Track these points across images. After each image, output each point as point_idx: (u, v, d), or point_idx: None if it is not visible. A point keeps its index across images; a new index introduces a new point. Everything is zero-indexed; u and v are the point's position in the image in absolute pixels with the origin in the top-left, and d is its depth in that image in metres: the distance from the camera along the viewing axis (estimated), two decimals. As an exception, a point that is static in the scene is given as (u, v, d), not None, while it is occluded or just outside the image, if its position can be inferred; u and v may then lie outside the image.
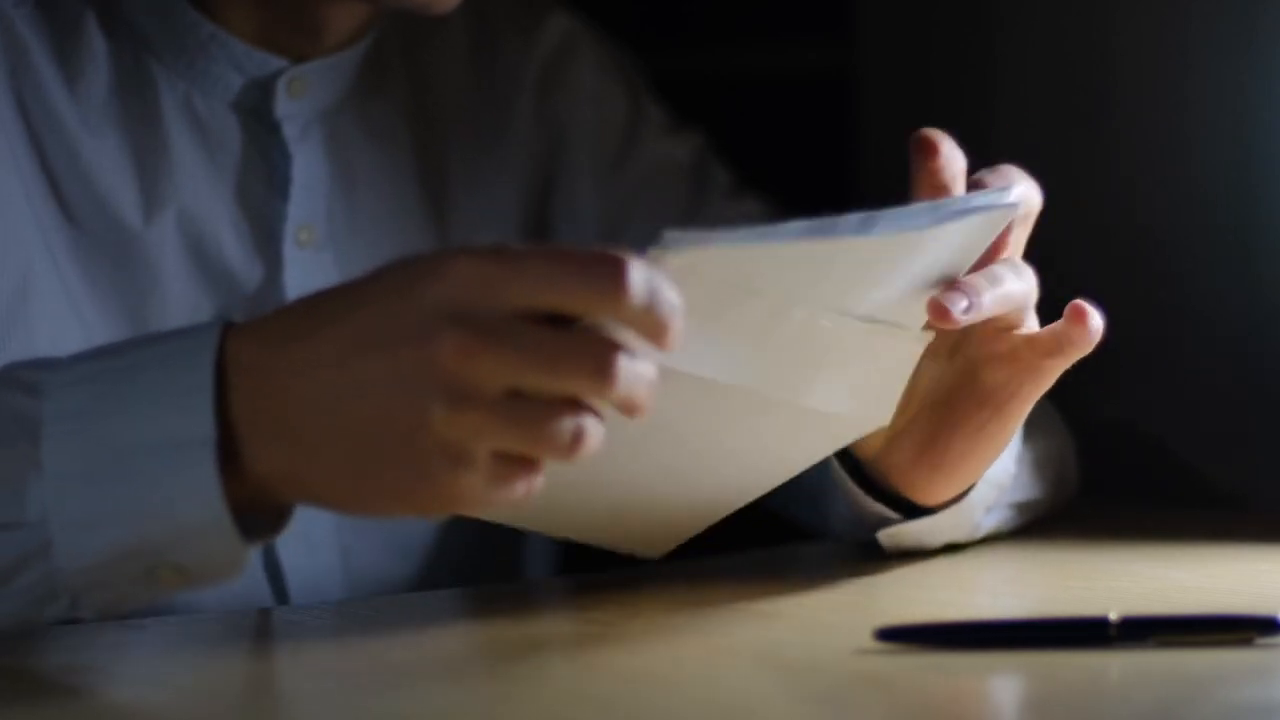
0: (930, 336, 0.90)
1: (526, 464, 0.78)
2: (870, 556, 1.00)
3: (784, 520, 1.12)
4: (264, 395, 0.79)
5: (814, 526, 1.07)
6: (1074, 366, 0.94)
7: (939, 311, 0.87)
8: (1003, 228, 0.89)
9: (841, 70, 1.57)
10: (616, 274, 0.75)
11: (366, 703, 0.77)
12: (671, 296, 0.76)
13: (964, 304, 0.88)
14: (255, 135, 1.06)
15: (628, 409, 0.77)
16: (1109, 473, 1.18)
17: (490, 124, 1.16)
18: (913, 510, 0.98)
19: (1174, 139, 1.28)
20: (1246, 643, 0.79)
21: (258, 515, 0.82)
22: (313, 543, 1.06)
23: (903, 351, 0.90)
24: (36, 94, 1.01)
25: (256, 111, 1.05)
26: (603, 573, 1.00)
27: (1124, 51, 1.31)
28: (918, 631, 0.81)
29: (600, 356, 0.76)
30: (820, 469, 0.99)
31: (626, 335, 0.77)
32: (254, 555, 1.04)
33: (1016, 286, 0.90)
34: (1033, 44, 1.38)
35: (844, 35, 1.56)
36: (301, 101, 1.06)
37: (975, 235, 0.88)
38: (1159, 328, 1.29)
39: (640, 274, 0.75)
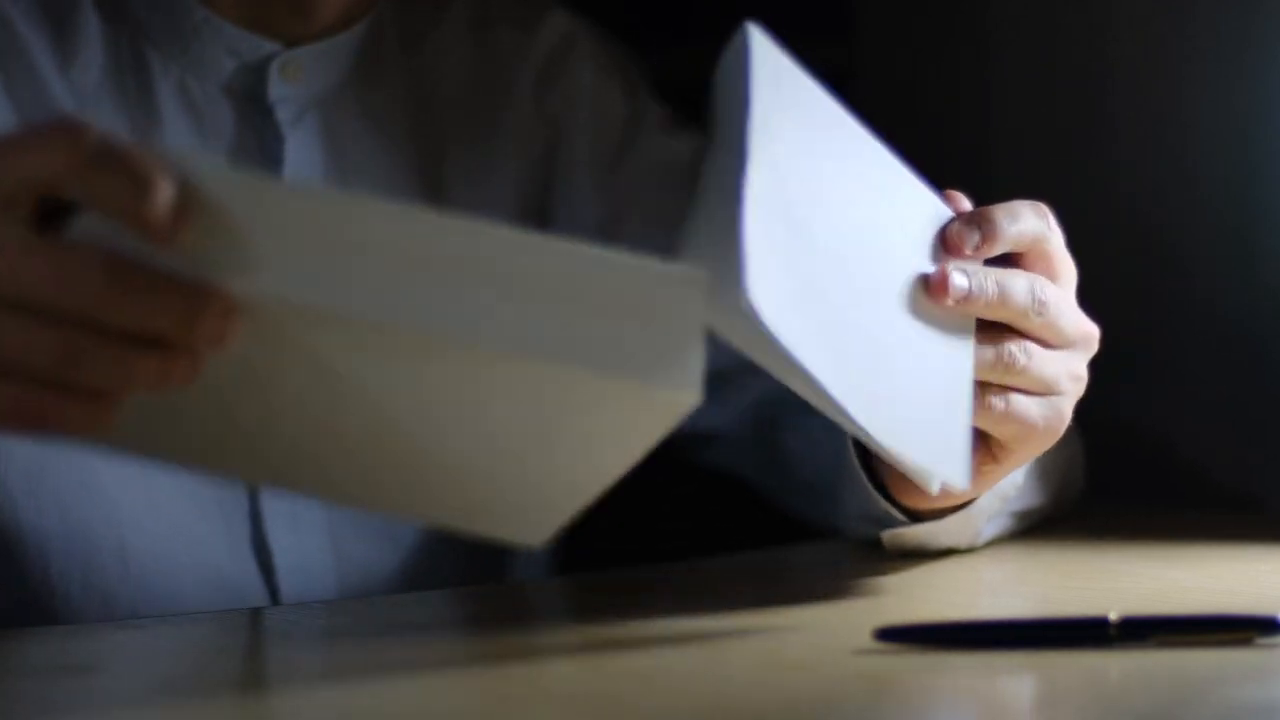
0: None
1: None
2: (870, 556, 1.00)
3: (785, 514, 1.12)
4: None
5: (818, 519, 1.07)
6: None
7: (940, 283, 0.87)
8: None
9: (841, 70, 1.57)
10: (72, 133, 0.70)
11: (363, 703, 0.76)
12: (164, 188, 0.70)
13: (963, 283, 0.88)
14: (248, 119, 1.06)
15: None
16: (1111, 473, 1.18)
17: (489, 121, 1.16)
18: (917, 514, 0.98)
19: (1173, 139, 1.28)
20: (1246, 643, 0.79)
21: None
22: (301, 527, 1.06)
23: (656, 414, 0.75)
24: (28, 76, 1.02)
25: (250, 95, 1.06)
26: (602, 573, 1.00)
27: (1122, 53, 1.31)
28: (918, 631, 0.81)
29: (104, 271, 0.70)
30: (835, 463, 0.99)
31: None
32: (245, 540, 1.04)
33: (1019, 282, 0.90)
34: (1031, 46, 1.38)
35: (843, 36, 1.56)
36: (295, 86, 1.06)
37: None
38: (1160, 328, 1.29)
39: (97, 138, 0.70)
